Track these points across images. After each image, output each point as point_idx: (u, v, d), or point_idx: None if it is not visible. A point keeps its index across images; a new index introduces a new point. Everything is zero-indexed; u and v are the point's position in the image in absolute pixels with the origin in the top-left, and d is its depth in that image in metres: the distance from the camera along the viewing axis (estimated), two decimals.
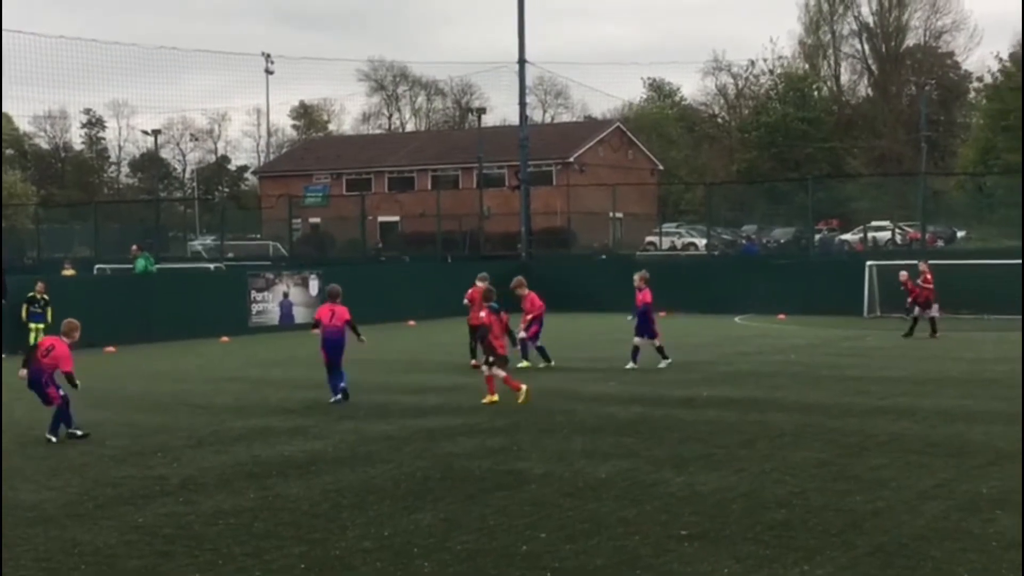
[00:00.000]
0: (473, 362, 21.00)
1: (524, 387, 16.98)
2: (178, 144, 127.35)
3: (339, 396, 17.29)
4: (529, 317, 21.93)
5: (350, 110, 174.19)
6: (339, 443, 13.67)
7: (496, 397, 16.89)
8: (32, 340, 27.05)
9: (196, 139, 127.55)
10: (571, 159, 75.30)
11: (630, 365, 21.24)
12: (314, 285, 34.21)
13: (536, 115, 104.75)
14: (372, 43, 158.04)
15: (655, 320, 21.91)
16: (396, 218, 70.37)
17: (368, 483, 11.29)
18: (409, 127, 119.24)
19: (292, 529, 9.47)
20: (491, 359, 17.13)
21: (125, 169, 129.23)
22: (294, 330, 32.33)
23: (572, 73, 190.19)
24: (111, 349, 27.11)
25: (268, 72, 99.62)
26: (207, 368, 22.73)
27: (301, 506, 10.32)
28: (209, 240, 67.53)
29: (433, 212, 54.98)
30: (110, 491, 11.11)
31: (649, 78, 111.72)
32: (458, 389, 18.72)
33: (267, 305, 33.15)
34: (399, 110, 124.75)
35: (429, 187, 75.82)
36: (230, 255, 55.60)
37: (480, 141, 66.64)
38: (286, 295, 33.69)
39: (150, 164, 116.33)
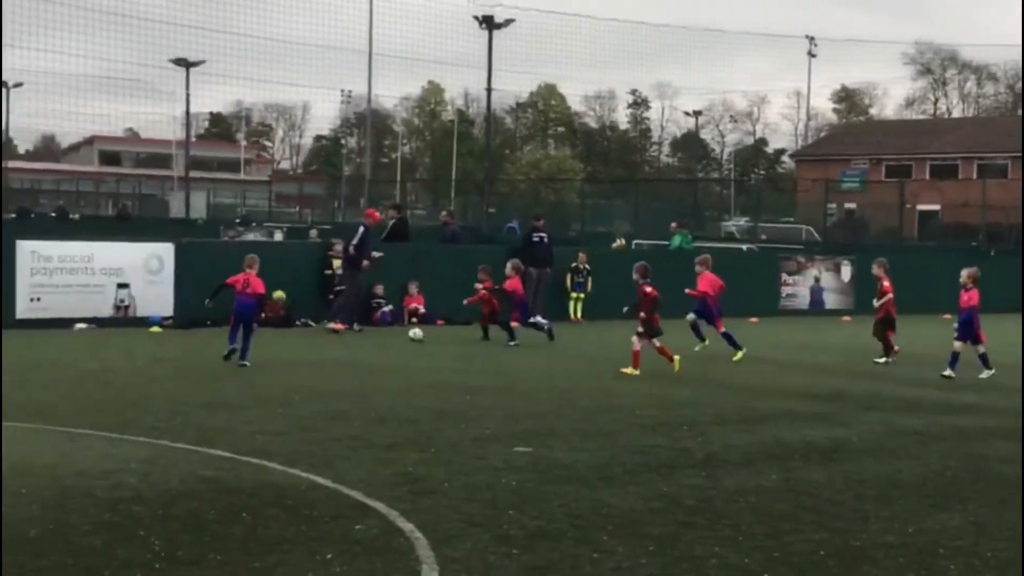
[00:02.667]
0: None
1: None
2: (717, 125, 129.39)
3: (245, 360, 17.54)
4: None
5: (893, 94, 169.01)
6: (864, 433, 13.39)
7: None
8: (572, 309, 28.60)
9: (735, 121, 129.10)
10: None
11: (947, 372, 18.81)
12: (846, 271, 33.69)
13: None
14: (921, 25, 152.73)
15: (979, 325, 19.16)
16: (936, 207, 67.78)
17: (893, 477, 10.99)
18: (956, 113, 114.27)
19: (812, 515, 9.41)
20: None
21: (666, 149, 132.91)
22: (823, 315, 32.07)
23: None
24: None
25: (811, 55, 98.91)
26: (730, 348, 22.94)
27: (822, 492, 10.23)
28: (743, 221, 68.13)
29: (977, 203, 52.50)
30: (638, 458, 11.53)
31: None
32: (994, 388, 17.80)
33: (797, 289, 33.05)
34: (946, 95, 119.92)
35: (974, 176, 72.43)
36: (763, 237, 55.83)
37: None
38: (817, 280, 33.41)
39: (690, 144, 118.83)
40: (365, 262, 23.68)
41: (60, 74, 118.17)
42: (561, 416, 14.04)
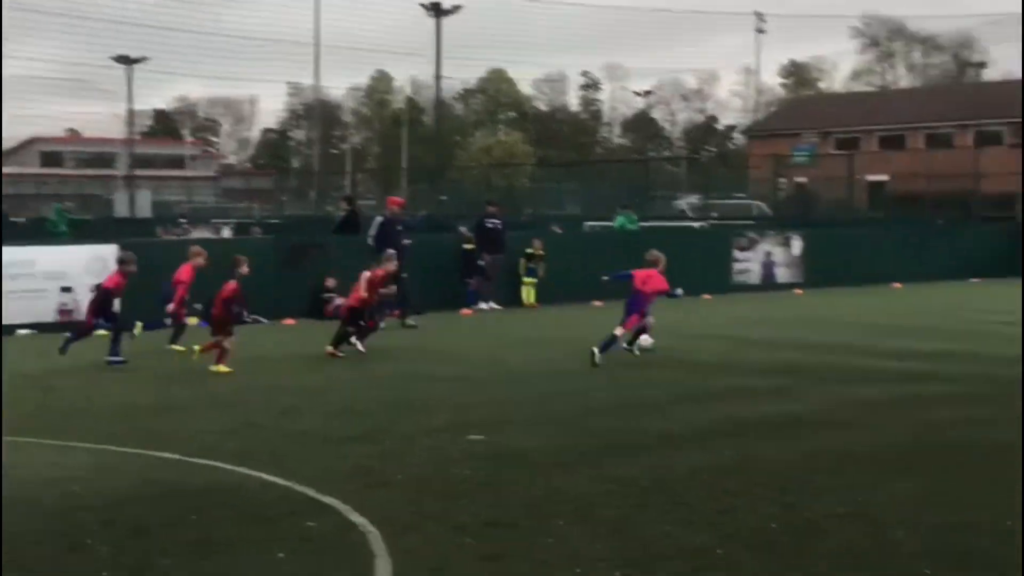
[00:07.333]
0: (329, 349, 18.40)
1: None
2: (668, 104, 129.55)
3: None
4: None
5: (841, 67, 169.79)
6: (818, 406, 13.43)
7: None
8: (525, 294, 28.49)
9: (686, 99, 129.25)
10: None
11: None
12: (796, 245, 33.83)
13: None
14: None
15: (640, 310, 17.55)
16: (885, 178, 68.10)
17: (845, 448, 11.02)
18: (903, 83, 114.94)
19: (765, 490, 9.41)
20: None
21: (617, 130, 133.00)
22: (775, 290, 32.18)
23: None
24: (598, 303, 27.98)
25: (759, 31, 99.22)
26: (691, 325, 22.94)
27: (776, 467, 10.24)
28: (694, 199, 68.26)
29: (925, 172, 52.89)
30: (594, 442, 11.49)
31: None
32: (945, 356, 17.90)
33: (749, 264, 33.13)
34: (892, 67, 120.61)
35: (921, 146, 72.95)
36: (714, 214, 55.92)
37: (980, 97, 63.09)
38: (768, 254, 33.50)
39: (641, 125, 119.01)
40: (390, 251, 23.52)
41: None
42: (515, 403, 13.96)
